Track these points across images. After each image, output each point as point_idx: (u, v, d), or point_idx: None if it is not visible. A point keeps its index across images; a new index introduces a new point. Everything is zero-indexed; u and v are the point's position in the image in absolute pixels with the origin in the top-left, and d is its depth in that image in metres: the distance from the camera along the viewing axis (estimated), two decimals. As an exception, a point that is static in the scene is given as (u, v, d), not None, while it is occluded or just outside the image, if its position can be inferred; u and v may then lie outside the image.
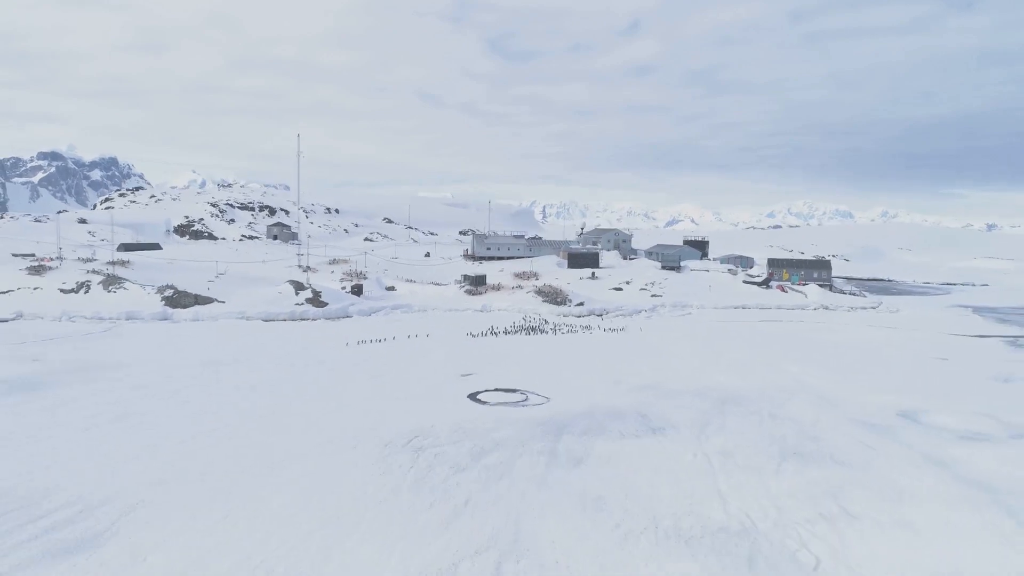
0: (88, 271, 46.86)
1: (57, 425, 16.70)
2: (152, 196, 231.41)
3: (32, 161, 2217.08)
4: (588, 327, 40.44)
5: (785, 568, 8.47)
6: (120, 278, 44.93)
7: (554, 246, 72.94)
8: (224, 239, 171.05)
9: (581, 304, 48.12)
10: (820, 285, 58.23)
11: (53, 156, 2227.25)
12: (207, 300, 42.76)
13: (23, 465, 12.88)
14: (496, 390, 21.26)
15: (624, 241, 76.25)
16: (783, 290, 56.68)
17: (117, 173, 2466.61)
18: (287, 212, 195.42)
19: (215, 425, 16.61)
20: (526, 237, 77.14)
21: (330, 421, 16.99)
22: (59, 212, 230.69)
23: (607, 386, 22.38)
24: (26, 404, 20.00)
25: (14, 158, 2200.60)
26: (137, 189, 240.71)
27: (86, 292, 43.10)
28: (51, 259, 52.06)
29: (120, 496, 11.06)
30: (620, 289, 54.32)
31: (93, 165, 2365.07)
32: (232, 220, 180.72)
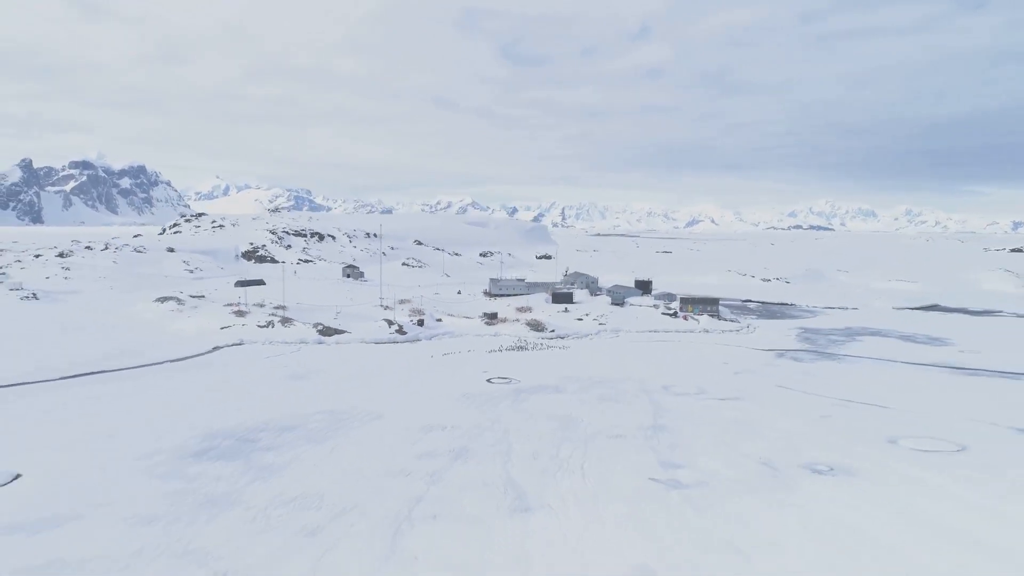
0: (268, 314, 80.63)
1: (336, 389, 51.88)
2: (213, 222, 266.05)
3: (64, 170, 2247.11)
4: (551, 346, 73.66)
5: (577, 423, 43.39)
6: (291, 318, 78.56)
7: (545, 286, 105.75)
8: (284, 262, 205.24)
9: (553, 331, 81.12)
10: (710, 315, 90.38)
11: (84, 165, 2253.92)
12: (341, 331, 76.28)
13: (339, 403, 47.85)
14: (499, 377, 56.07)
15: (593, 282, 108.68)
16: (686, 319, 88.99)
17: (145, 181, 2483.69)
18: (334, 237, 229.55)
19: (382, 389, 51.77)
20: (526, 280, 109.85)
21: (425, 388, 52.02)
22: (135, 236, 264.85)
23: (547, 375, 57.70)
24: (312, 382, 55.31)
25: (47, 167, 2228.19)
26: (200, 215, 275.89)
27: (272, 327, 76.64)
28: (241, 304, 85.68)
29: (376, 409, 46.13)
30: (581, 319, 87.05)
31: (122, 173, 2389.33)
32: (289, 246, 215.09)
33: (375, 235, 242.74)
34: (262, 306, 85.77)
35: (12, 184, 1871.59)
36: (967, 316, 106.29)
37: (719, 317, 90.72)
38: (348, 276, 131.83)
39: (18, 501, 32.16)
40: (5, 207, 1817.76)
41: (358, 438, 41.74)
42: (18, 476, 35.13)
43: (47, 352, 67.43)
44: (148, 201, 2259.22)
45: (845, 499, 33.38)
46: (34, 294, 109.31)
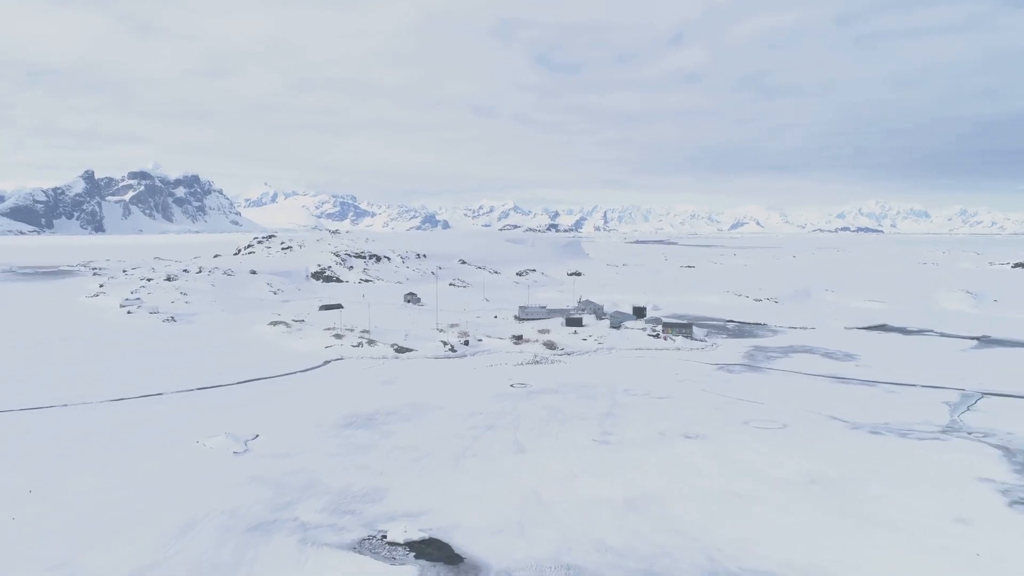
0: (358, 335, 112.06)
1: (414, 390, 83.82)
2: (282, 243, 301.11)
3: (123, 180, 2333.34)
4: (558, 361, 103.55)
5: (562, 411, 74.58)
6: (374, 340, 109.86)
7: (562, 312, 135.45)
8: (347, 282, 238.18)
9: (563, 349, 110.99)
10: (684, 337, 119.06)
11: (142, 175, 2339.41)
12: (410, 349, 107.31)
13: (417, 399, 79.84)
14: (518, 383, 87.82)
15: (599, 308, 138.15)
16: (665, 339, 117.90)
17: (199, 189, 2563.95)
18: (389, 259, 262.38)
19: (443, 390, 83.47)
20: (547, 308, 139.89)
21: (470, 390, 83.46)
22: (215, 256, 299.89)
23: (551, 382, 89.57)
24: (397, 385, 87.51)
25: (107, 178, 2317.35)
26: (270, 236, 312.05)
27: (362, 346, 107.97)
28: (337, 328, 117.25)
29: (440, 403, 78.10)
30: (585, 340, 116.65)
31: (177, 183, 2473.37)
32: (351, 267, 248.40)
33: (424, 255, 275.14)
34: (352, 330, 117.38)
35: (76, 195, 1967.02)
36: (899, 335, 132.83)
37: (691, 338, 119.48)
38: (408, 302, 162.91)
39: (266, 447, 63.40)
40: (70, 217, 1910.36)
41: (432, 418, 72.26)
42: (257, 435, 66.42)
43: (216, 363, 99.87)
44: (201, 209, 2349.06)
45: (694, 451, 62.61)
46: (172, 317, 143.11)
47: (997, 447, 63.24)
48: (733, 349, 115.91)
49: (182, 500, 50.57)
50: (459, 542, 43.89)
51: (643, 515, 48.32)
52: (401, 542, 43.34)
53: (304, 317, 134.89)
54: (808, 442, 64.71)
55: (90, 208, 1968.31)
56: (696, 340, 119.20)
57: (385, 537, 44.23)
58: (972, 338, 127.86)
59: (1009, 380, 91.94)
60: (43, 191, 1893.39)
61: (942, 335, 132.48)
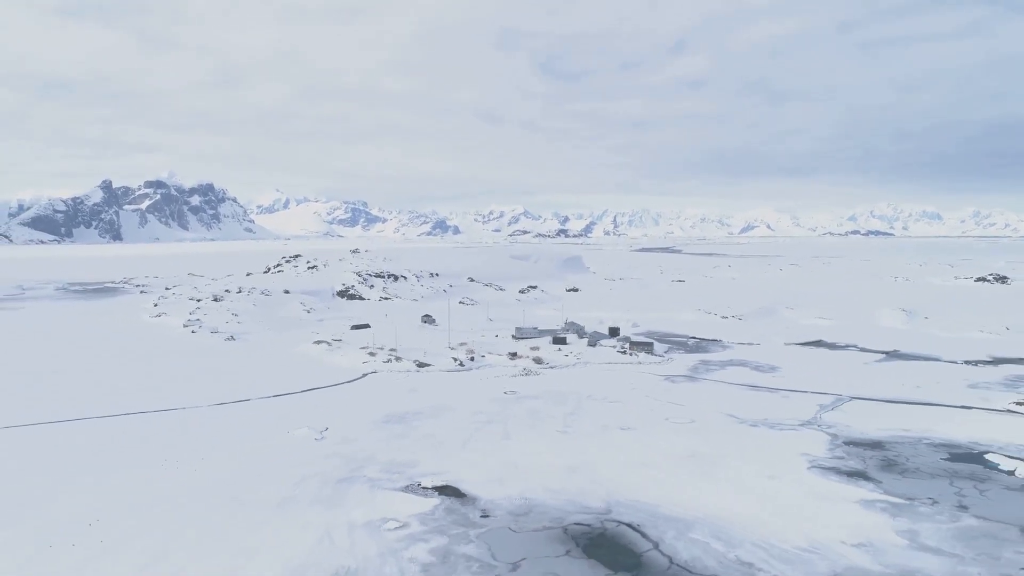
0: (387, 352, 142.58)
1: (433, 396, 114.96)
2: (308, 263, 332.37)
3: (140, 189, 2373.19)
4: (542, 373, 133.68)
5: (539, 412, 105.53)
6: (400, 356, 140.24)
7: (551, 332, 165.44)
8: (369, 300, 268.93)
9: (547, 363, 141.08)
10: (646, 352, 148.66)
11: (158, 184, 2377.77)
12: (428, 364, 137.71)
13: (436, 402, 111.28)
14: (510, 391, 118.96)
15: (581, 329, 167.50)
16: (630, 355, 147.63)
17: (213, 198, 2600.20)
18: (405, 278, 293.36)
19: (454, 396, 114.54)
20: (538, 328, 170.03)
21: (473, 396, 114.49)
22: (247, 274, 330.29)
23: (534, 390, 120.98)
24: (421, 392, 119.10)
25: (124, 187, 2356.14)
26: (296, 256, 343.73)
27: (391, 362, 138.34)
28: (371, 346, 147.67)
29: (452, 405, 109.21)
30: (567, 356, 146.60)
31: (192, 191, 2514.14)
32: (372, 286, 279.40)
33: (436, 274, 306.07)
34: (382, 348, 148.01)
35: (94, 204, 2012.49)
36: (826, 350, 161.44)
37: (652, 353, 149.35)
38: (425, 323, 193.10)
39: (335, 435, 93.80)
40: (88, 226, 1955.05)
41: (446, 417, 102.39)
42: (327, 428, 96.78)
43: (280, 375, 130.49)
44: (216, 217, 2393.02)
45: (624, 437, 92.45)
46: (232, 336, 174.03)
47: (829, 435, 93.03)
48: (683, 363, 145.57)
49: (290, 467, 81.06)
50: (464, 488, 74.13)
51: (579, 474, 78.43)
52: (430, 487, 73.79)
53: (341, 336, 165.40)
54: (703, 432, 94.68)
55: (108, 217, 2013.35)
56: (655, 355, 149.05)
57: (420, 484, 74.67)
58: (883, 352, 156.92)
59: (882, 387, 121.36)
60: (62, 200, 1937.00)
61: (862, 350, 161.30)
